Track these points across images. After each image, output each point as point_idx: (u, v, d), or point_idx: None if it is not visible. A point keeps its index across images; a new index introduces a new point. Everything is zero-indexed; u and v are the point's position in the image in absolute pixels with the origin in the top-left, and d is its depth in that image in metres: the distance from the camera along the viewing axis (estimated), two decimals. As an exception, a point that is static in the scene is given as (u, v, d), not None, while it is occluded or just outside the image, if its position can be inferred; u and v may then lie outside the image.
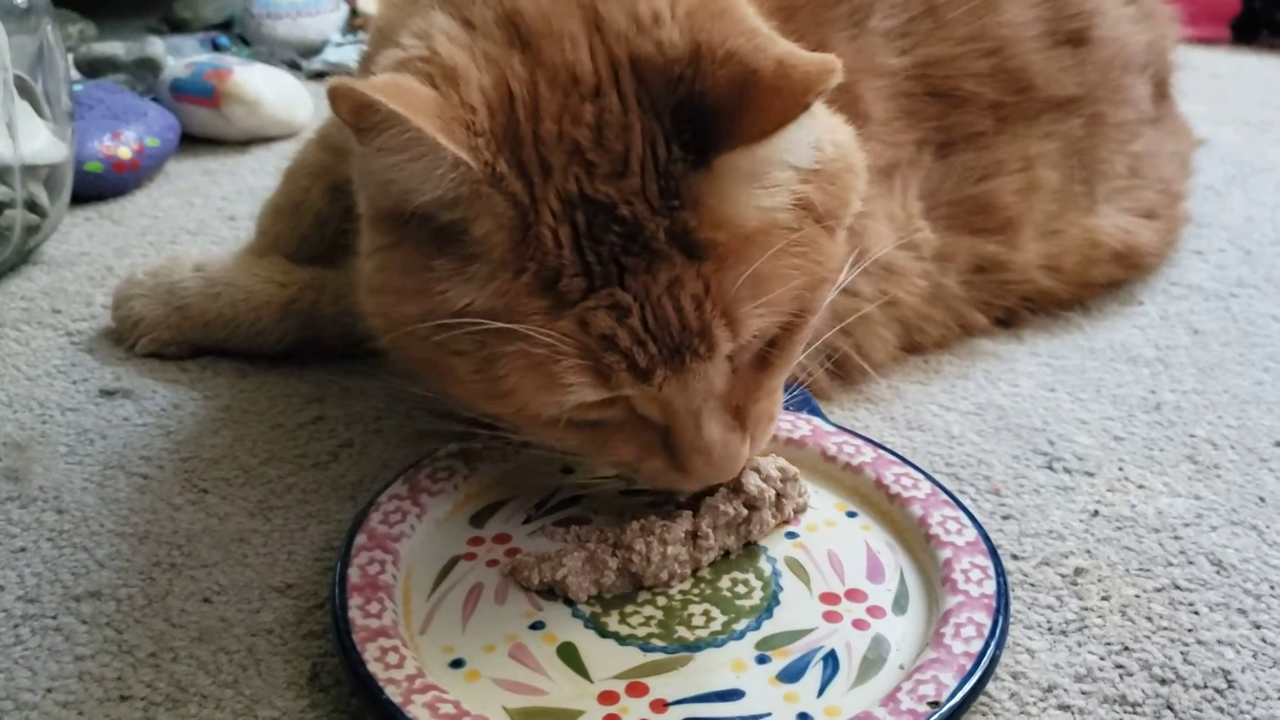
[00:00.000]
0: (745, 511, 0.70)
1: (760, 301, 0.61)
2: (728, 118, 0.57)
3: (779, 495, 0.72)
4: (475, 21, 0.63)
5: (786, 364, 0.68)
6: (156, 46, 1.62)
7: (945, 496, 0.73)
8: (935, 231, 0.95)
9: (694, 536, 0.69)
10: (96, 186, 1.30)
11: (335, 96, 0.56)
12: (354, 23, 1.95)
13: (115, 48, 1.60)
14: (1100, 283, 1.06)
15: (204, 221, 1.27)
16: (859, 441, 0.79)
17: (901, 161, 0.93)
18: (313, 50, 1.86)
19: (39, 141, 1.12)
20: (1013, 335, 1.01)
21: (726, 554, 0.70)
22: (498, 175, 0.58)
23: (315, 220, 0.97)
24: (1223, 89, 1.79)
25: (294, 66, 1.80)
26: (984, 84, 0.96)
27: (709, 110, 0.58)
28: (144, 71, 1.55)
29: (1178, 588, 0.72)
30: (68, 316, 1.04)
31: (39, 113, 1.13)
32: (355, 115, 0.56)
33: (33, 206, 1.12)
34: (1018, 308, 1.02)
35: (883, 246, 0.90)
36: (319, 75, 1.80)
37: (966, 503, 0.76)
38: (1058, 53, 1.00)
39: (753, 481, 0.70)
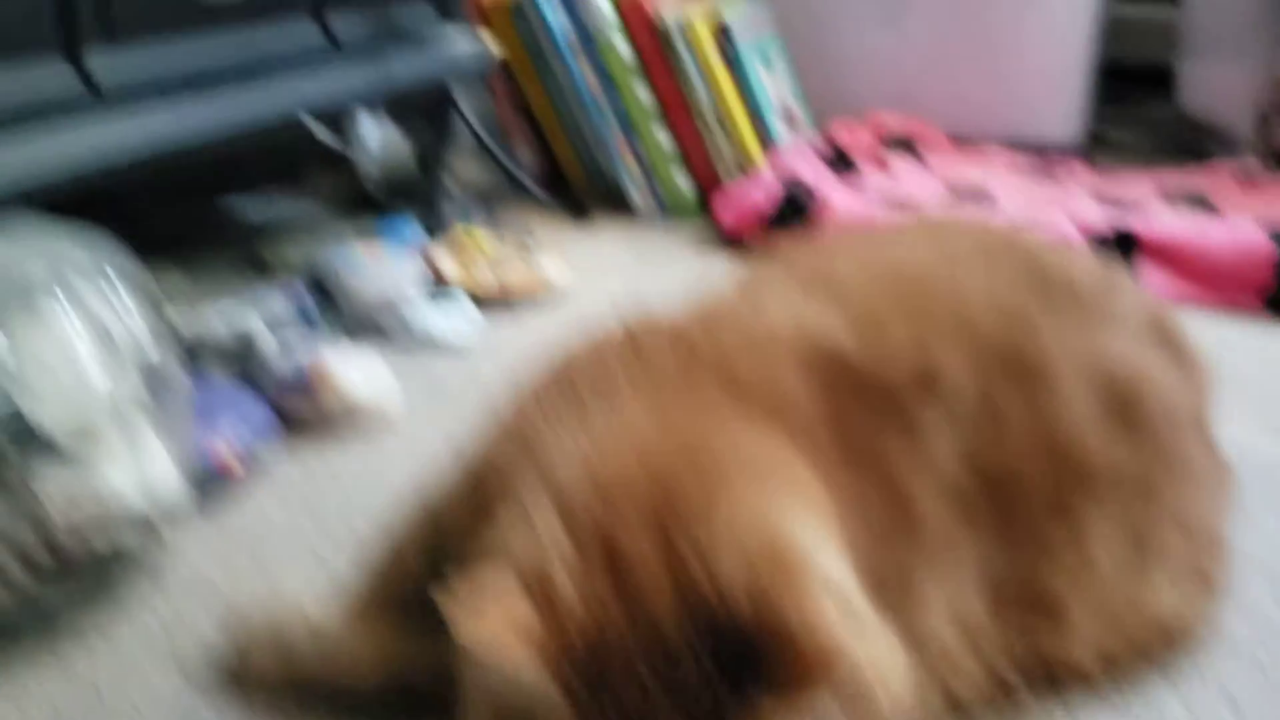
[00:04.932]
0: None
1: None
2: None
3: None
4: (582, 540, 0.73)
5: None
6: (253, 319, 1.72)
7: None
8: (987, 613, 1.01)
9: None
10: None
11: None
12: (437, 279, 2.08)
13: (214, 323, 1.71)
14: (1141, 664, 1.10)
15: (302, 534, 1.36)
16: None
17: (957, 544, 1.00)
18: (395, 309, 1.96)
19: (158, 468, 1.22)
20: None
21: None
22: None
23: (414, 585, 1.04)
24: (1260, 381, 1.73)
25: (380, 332, 1.92)
26: (1040, 468, 1.02)
27: (756, 684, 0.67)
28: (242, 354, 1.66)
29: None
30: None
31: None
32: None
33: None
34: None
35: (933, 629, 0.97)
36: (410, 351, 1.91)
37: None
38: (1112, 428, 1.05)
39: None
